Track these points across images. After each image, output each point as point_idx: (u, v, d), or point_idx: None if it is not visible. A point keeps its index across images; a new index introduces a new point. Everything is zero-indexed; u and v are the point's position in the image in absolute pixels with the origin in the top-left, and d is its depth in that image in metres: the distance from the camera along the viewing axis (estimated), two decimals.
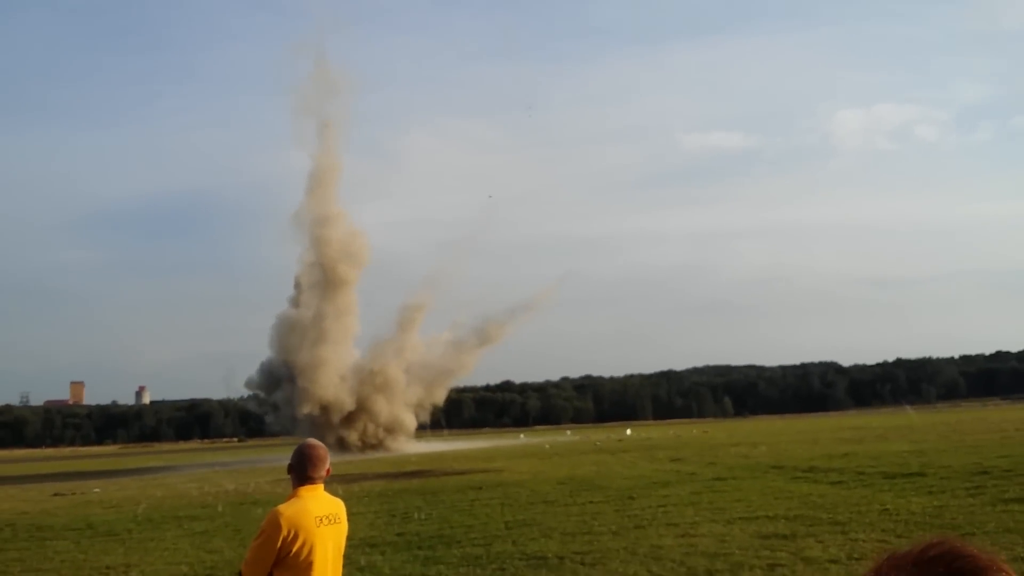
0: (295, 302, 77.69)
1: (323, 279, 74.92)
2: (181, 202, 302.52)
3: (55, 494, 32.20)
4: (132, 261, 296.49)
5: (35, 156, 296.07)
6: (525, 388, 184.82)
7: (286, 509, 4.35)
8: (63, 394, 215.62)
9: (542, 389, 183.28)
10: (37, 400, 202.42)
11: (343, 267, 74.87)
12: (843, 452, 30.68)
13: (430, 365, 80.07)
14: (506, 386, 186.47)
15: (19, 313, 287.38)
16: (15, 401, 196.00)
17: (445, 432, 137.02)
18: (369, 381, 72.85)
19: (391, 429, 72.97)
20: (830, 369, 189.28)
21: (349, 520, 4.69)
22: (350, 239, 76.77)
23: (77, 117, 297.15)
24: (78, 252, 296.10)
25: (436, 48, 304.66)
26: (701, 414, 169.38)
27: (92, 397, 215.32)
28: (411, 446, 71.14)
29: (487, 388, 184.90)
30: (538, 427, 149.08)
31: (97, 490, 33.56)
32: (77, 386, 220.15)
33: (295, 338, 72.60)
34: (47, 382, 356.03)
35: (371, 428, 71.94)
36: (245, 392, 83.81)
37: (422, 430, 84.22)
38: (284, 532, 4.27)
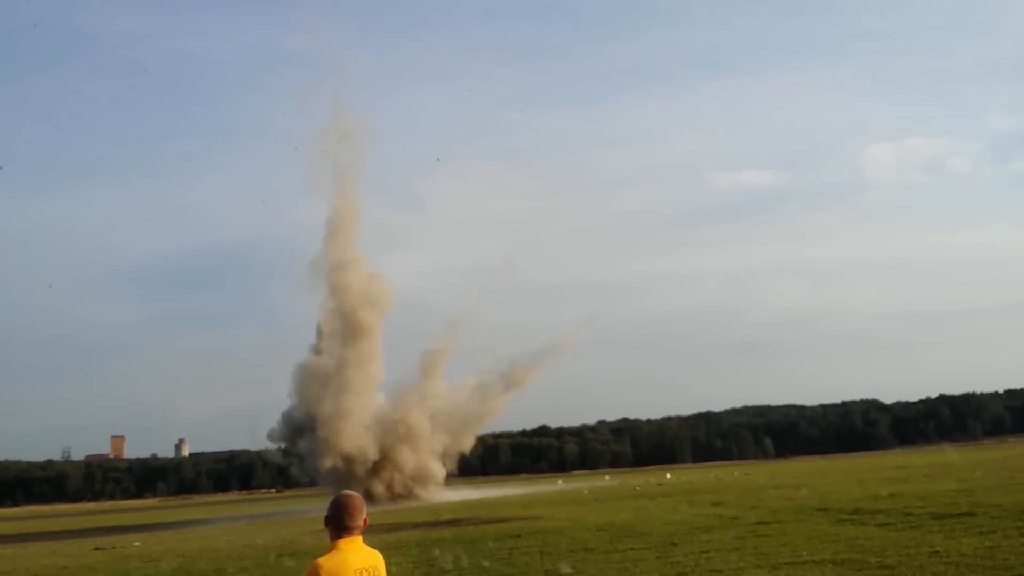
0: (317, 350, 76.63)
1: (344, 326, 73.90)
2: (218, 256, 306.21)
3: (96, 548, 32.32)
4: (170, 315, 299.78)
5: (72, 213, 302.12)
6: (562, 432, 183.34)
7: (326, 562, 4.30)
8: (104, 448, 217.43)
9: (579, 433, 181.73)
10: (79, 455, 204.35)
11: (364, 313, 73.88)
12: (889, 492, 30.01)
13: (456, 412, 78.58)
14: (542, 431, 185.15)
15: (60, 369, 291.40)
16: (57, 456, 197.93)
17: (479, 479, 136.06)
18: (392, 431, 71.25)
19: (417, 479, 71.23)
20: (872, 407, 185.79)
21: (388, 572, 4.65)
22: (370, 285, 75.92)
23: (113, 174, 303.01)
24: (117, 307, 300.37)
25: (464, 95, 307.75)
26: (741, 456, 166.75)
27: (132, 451, 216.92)
28: (442, 495, 69.69)
29: (523, 433, 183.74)
30: (576, 472, 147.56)
31: (137, 544, 33.65)
32: (118, 440, 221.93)
33: (316, 387, 71.58)
34: (88, 436, 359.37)
35: (397, 478, 70.26)
36: (269, 444, 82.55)
37: (453, 477, 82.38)
38: None
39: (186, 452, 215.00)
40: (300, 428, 72.64)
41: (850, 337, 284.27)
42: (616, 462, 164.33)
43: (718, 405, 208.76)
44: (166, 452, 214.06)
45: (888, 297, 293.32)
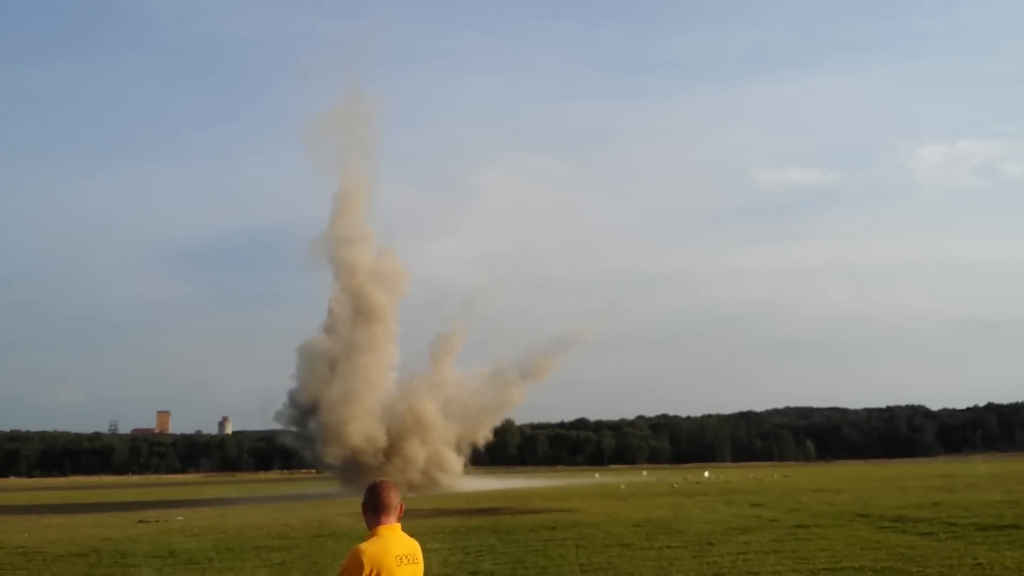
0: (329, 329, 72.48)
1: (353, 307, 70.33)
2: (264, 237, 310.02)
3: (140, 521, 33.02)
4: (217, 295, 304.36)
5: (124, 191, 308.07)
6: (600, 426, 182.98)
7: (368, 547, 4.38)
8: (150, 423, 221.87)
9: (617, 428, 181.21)
10: (125, 428, 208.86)
11: (375, 294, 70.24)
12: (932, 501, 29.53)
13: (471, 401, 75.20)
14: (580, 424, 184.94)
15: (110, 345, 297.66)
16: (104, 429, 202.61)
17: (516, 469, 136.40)
18: (401, 420, 67.30)
19: (430, 470, 67.10)
20: (917, 413, 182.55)
21: (425, 555, 4.71)
22: (382, 264, 72.56)
23: (164, 154, 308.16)
24: (167, 285, 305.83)
25: (508, 85, 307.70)
26: (782, 457, 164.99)
27: (177, 426, 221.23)
28: (462, 484, 66.23)
29: (561, 425, 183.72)
30: (613, 466, 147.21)
31: (180, 518, 34.30)
32: (163, 415, 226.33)
33: (321, 369, 68.37)
34: (135, 411, 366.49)
35: (410, 470, 65.69)
36: (278, 425, 79.37)
37: (478, 466, 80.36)
38: (367, 571, 4.30)
39: (229, 430, 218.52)
40: (307, 411, 69.44)
41: (897, 341, 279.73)
42: (654, 458, 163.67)
43: (760, 405, 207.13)
44: (210, 429, 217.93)
45: (936, 301, 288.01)
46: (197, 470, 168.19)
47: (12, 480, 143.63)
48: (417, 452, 66.31)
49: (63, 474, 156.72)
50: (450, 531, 23.91)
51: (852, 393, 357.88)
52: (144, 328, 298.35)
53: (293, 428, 74.51)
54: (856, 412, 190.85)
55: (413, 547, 4.61)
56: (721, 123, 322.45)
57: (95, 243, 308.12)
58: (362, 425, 64.81)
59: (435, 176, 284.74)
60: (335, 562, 17.68)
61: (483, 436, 76.46)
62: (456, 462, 71.32)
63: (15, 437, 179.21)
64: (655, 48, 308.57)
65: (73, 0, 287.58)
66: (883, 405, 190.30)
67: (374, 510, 4.54)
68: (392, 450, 65.85)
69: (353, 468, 64.71)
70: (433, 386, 72.59)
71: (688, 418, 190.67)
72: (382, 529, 4.51)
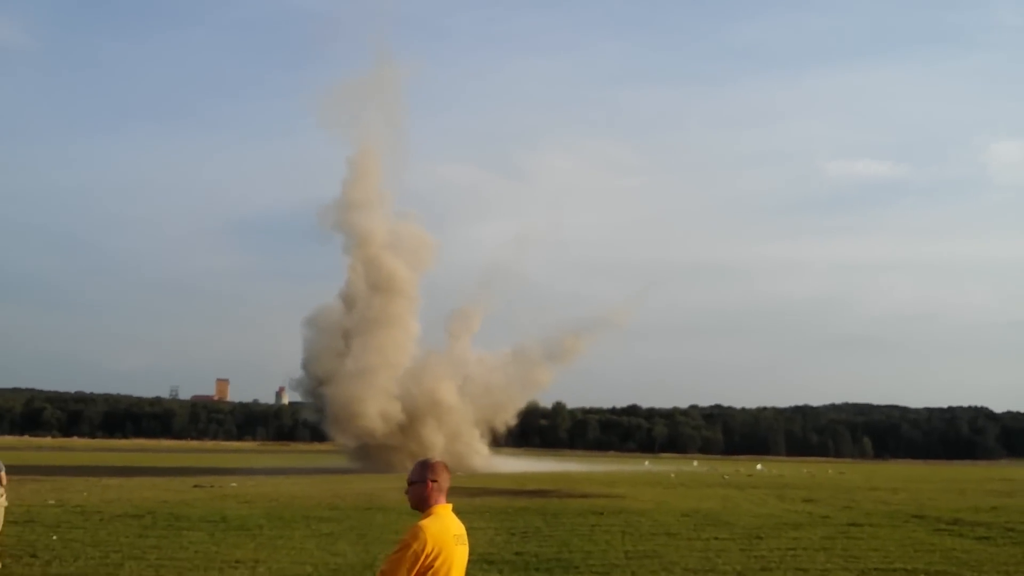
0: (345, 299, 68.64)
1: (366, 276, 66.58)
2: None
3: (195, 486, 33.76)
4: (278, 266, 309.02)
5: (190, 163, 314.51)
6: (652, 413, 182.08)
7: (429, 525, 4.40)
8: (209, 390, 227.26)
9: (670, 416, 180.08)
10: (185, 394, 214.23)
11: (394, 264, 66.32)
12: (992, 505, 28.75)
13: (493, 382, 70.69)
14: (632, 410, 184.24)
15: (172, 312, 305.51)
16: (165, 394, 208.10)
17: (566, 452, 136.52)
18: (414, 400, 62.99)
19: (448, 452, 61.24)
20: (980, 414, 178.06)
21: (471, 534, 4.70)
22: (403, 233, 68.65)
23: (229, 127, 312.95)
24: (229, 256, 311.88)
25: (572, 68, 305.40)
26: (838, 453, 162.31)
27: (235, 394, 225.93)
28: (490, 466, 62.85)
29: (613, 411, 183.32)
30: (664, 454, 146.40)
31: (234, 484, 35.01)
32: (222, 383, 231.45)
33: (334, 341, 65.32)
34: (195, 378, 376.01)
35: (427, 451, 59.92)
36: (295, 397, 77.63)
37: (512, 447, 77.70)
38: (429, 548, 4.32)
39: (285, 400, 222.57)
40: (320, 384, 65.63)
41: (962, 340, 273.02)
42: (706, 448, 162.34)
43: (817, 399, 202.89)
44: (267, 399, 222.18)
45: (1005, 301, 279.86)
46: (253, 438, 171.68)
47: (76, 440, 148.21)
48: (433, 434, 62.85)
49: (125, 436, 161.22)
50: (497, 511, 23.98)
51: (913, 392, 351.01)
52: (208, 297, 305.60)
53: (311, 400, 71.88)
54: (916, 411, 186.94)
55: (462, 528, 4.63)
56: (789, 112, 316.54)
57: (165, 212, 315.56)
58: (378, 403, 61.39)
59: (496, 158, 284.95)
60: (382, 535, 17.89)
61: (507, 418, 72.42)
62: (479, 444, 68.49)
63: (80, 398, 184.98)
64: (723, 33, 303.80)
65: None
66: (944, 405, 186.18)
67: (434, 488, 4.54)
68: (408, 430, 62.57)
69: (366, 447, 62.12)
70: (451, 364, 68.98)
71: (743, 409, 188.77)
72: (439, 508, 4.52)
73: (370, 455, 61.10)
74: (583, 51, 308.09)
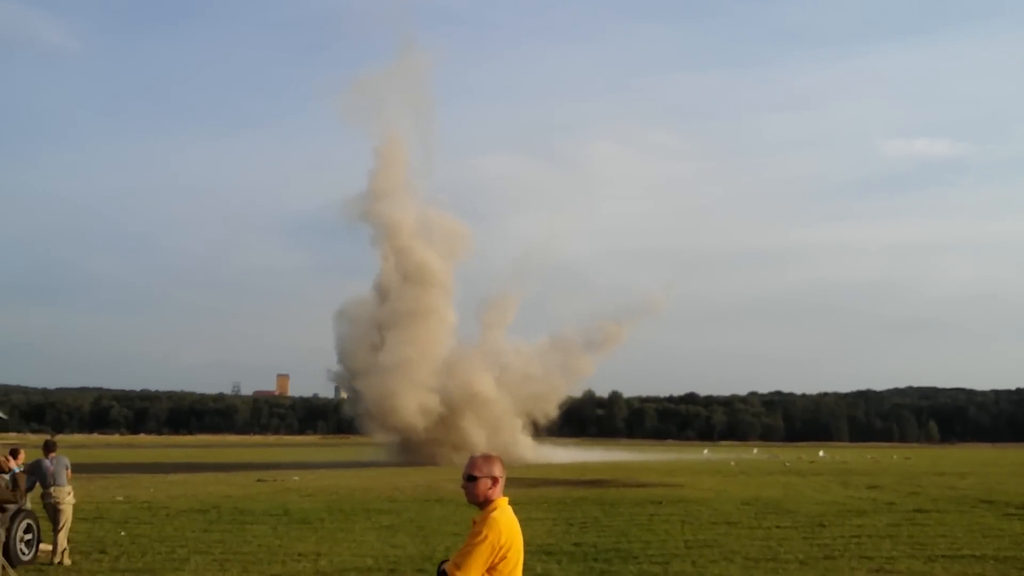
0: (379, 291, 66.88)
1: (398, 267, 65.16)
2: None
3: (258, 480, 34.36)
4: (333, 261, 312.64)
5: (252, 163, 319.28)
6: (710, 401, 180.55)
7: (501, 516, 4.43)
8: (270, 385, 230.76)
9: (728, 403, 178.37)
10: (247, 390, 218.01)
11: (426, 254, 64.81)
12: None
13: (532, 372, 67.77)
14: (690, 398, 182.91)
15: (232, 309, 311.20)
16: (228, 390, 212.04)
17: (623, 442, 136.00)
18: (451, 395, 60.87)
19: (492, 444, 58.76)
20: None
21: (529, 525, 4.68)
22: (435, 223, 67.02)
23: (287, 127, 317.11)
24: (288, 254, 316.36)
25: (618, 55, 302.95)
26: (903, 438, 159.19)
27: (296, 389, 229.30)
28: (540, 456, 61.42)
29: (670, 399, 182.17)
30: (723, 442, 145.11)
31: (296, 478, 35.54)
32: (283, 378, 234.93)
33: (368, 333, 63.90)
34: (256, 374, 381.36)
35: (468, 444, 57.70)
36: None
37: (555, 436, 74.87)
38: (503, 540, 4.36)
39: (344, 395, 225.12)
40: (354, 377, 64.73)
41: None
42: (766, 435, 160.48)
43: (880, 384, 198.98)
44: (327, 393, 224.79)
45: None
46: (314, 432, 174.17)
47: (143, 437, 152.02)
48: (473, 426, 60.77)
49: (189, 432, 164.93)
50: (554, 501, 23.96)
51: (979, 374, 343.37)
52: (266, 294, 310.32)
53: (347, 394, 70.23)
54: (983, 394, 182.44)
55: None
56: (842, 92, 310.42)
57: (221, 210, 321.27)
58: (416, 397, 59.64)
59: (544, 149, 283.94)
60: (441, 527, 17.99)
61: (548, 409, 69.63)
62: (522, 435, 66.67)
63: (145, 396, 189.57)
64: (772, 14, 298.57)
65: None
66: (1013, 387, 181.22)
67: (495, 481, 4.54)
68: (448, 423, 60.70)
69: (407, 441, 61.14)
70: (486, 355, 66.55)
71: (803, 395, 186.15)
72: (501, 502, 4.54)
73: (411, 449, 60.32)
74: (626, 37, 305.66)
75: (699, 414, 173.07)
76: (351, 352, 64.76)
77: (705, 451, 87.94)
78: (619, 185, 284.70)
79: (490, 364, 65.41)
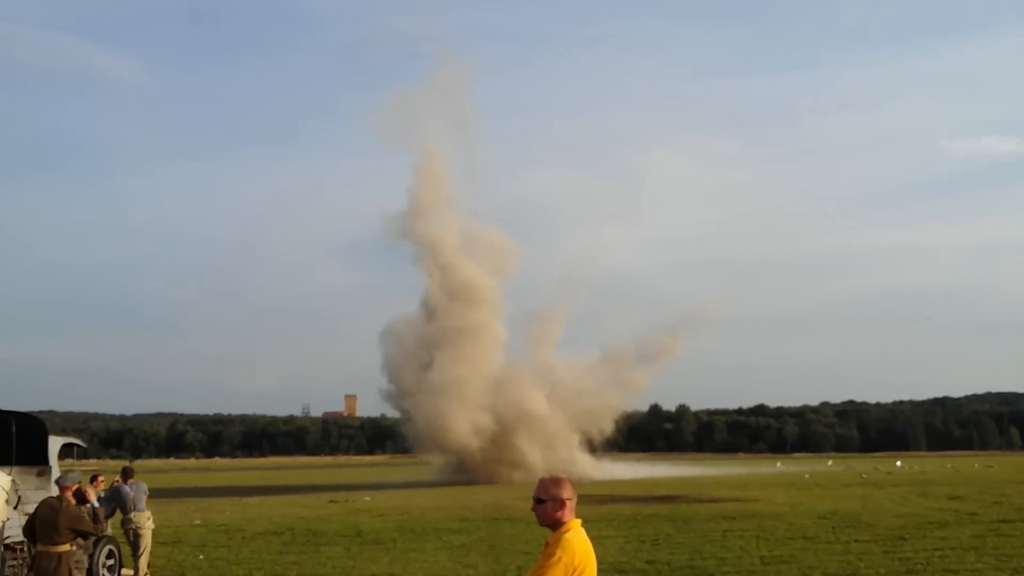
0: (425, 309, 65.88)
1: (443, 285, 63.87)
2: None
3: (330, 501, 34.76)
4: (394, 282, 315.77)
5: (316, 185, 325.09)
6: (781, 412, 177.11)
7: (574, 537, 4.44)
8: (338, 406, 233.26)
9: (800, 414, 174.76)
10: (316, 411, 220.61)
11: (471, 270, 63.51)
12: None
13: (583, 387, 65.82)
14: (760, 410, 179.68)
15: (298, 332, 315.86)
16: (298, 412, 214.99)
17: (692, 455, 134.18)
18: (502, 413, 59.05)
19: (549, 462, 56.91)
20: None
21: (600, 543, 4.67)
22: (478, 237, 65.59)
23: (346, 149, 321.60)
24: (354, 274, 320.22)
25: (675, 63, 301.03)
26: (983, 446, 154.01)
27: (364, 410, 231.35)
28: (602, 472, 59.14)
29: (739, 411, 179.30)
30: (796, 455, 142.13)
31: (367, 499, 35.85)
32: (350, 399, 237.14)
33: (415, 352, 63.14)
34: (325, 395, 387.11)
35: (525, 463, 57.11)
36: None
37: (610, 451, 72.27)
38: (577, 561, 4.36)
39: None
40: (404, 397, 64.18)
41: None
42: (840, 446, 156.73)
43: (957, 390, 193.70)
44: (393, 413, 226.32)
45: None
46: (383, 452, 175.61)
47: (217, 460, 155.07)
48: (528, 444, 58.94)
49: (262, 455, 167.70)
50: (625, 518, 23.75)
51: None
52: (331, 316, 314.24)
53: (400, 414, 69.83)
54: None
55: None
56: (905, 91, 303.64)
57: (284, 234, 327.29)
58: (468, 417, 58.21)
59: (601, 160, 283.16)
60: (512, 545, 17.97)
61: (603, 424, 67.27)
62: (578, 452, 64.67)
63: (218, 420, 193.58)
64: (828, 15, 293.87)
65: (254, 5, 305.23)
66: None
67: (565, 504, 4.52)
68: (501, 442, 58.85)
69: (463, 460, 60.01)
70: (536, 372, 64.71)
71: (877, 404, 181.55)
72: (575, 523, 4.54)
73: (467, 468, 59.37)
74: (683, 47, 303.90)
75: (770, 426, 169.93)
76: (399, 371, 64.27)
77: (778, 464, 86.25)
78: (673, 194, 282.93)
79: (541, 380, 64.10)
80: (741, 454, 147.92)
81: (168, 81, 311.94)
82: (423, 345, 63.04)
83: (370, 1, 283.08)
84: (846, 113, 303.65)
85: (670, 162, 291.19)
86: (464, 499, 34.91)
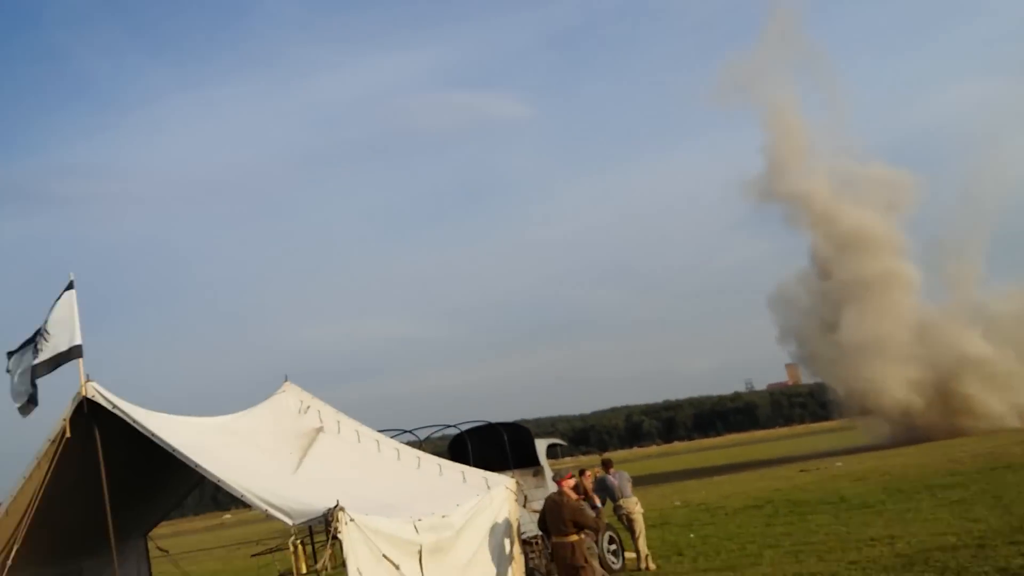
0: (817, 265, 61.34)
1: (828, 237, 59.22)
2: None
3: (801, 471, 34.06)
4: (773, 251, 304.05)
5: (694, 172, 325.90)
6: None
7: None
8: (780, 377, 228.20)
9: None
10: (760, 385, 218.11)
11: (852, 214, 57.78)
12: None
13: None
14: None
15: (729, 309, 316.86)
16: (742, 388, 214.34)
17: None
18: (936, 362, 52.35)
19: (1005, 409, 49.85)
20: None
21: None
22: (858, 177, 59.84)
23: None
24: (749, 246, 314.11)
25: None
26: None
27: (807, 376, 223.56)
28: None
29: None
30: None
31: (839, 464, 34.62)
32: (792, 368, 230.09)
33: (808, 314, 60.07)
34: (764, 368, 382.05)
35: (983, 413, 49.83)
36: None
37: None
38: None
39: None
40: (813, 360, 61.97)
41: None
42: None
43: None
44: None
45: None
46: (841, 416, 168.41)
47: (676, 445, 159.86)
48: (979, 391, 51.03)
49: (717, 434, 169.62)
50: None
51: None
52: (744, 288, 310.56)
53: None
54: None
55: None
56: None
57: (690, 220, 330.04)
58: (900, 374, 52.53)
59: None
60: (1022, 495, 16.27)
61: None
62: None
63: (668, 406, 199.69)
64: None
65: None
66: None
67: None
68: (942, 394, 52.13)
69: (907, 419, 53.11)
70: (963, 308, 56.78)
71: None
72: None
73: (914, 426, 52.42)
74: None
75: None
76: (803, 337, 61.48)
77: None
78: None
79: (972, 318, 56.00)
80: None
81: (545, 109, 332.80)
82: (825, 305, 59.05)
83: None
84: None
85: None
86: (950, 452, 32.21)
